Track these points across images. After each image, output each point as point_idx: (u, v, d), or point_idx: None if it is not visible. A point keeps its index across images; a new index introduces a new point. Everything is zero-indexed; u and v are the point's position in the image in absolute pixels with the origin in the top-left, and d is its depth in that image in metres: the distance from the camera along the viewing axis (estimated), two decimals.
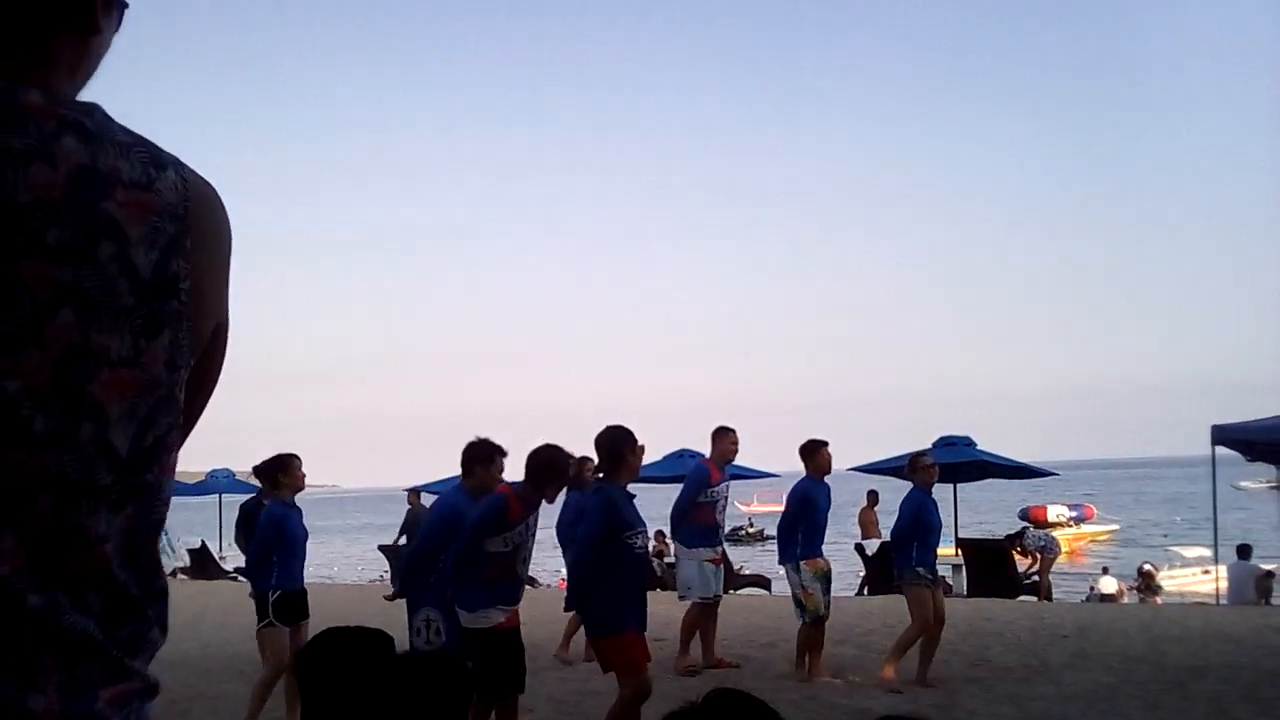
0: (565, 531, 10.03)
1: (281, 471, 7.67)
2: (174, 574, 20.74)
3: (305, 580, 7.90)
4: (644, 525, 6.40)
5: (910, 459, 9.49)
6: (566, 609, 7.44)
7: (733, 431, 10.00)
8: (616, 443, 6.36)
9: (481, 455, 6.86)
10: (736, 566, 17.62)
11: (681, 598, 10.00)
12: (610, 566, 6.16)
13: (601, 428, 6.46)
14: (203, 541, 24.66)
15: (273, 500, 7.88)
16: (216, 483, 26.29)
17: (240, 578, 17.87)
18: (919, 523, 9.08)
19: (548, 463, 6.37)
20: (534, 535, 6.63)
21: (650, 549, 19.39)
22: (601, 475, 6.44)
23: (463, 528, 6.48)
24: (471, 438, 6.92)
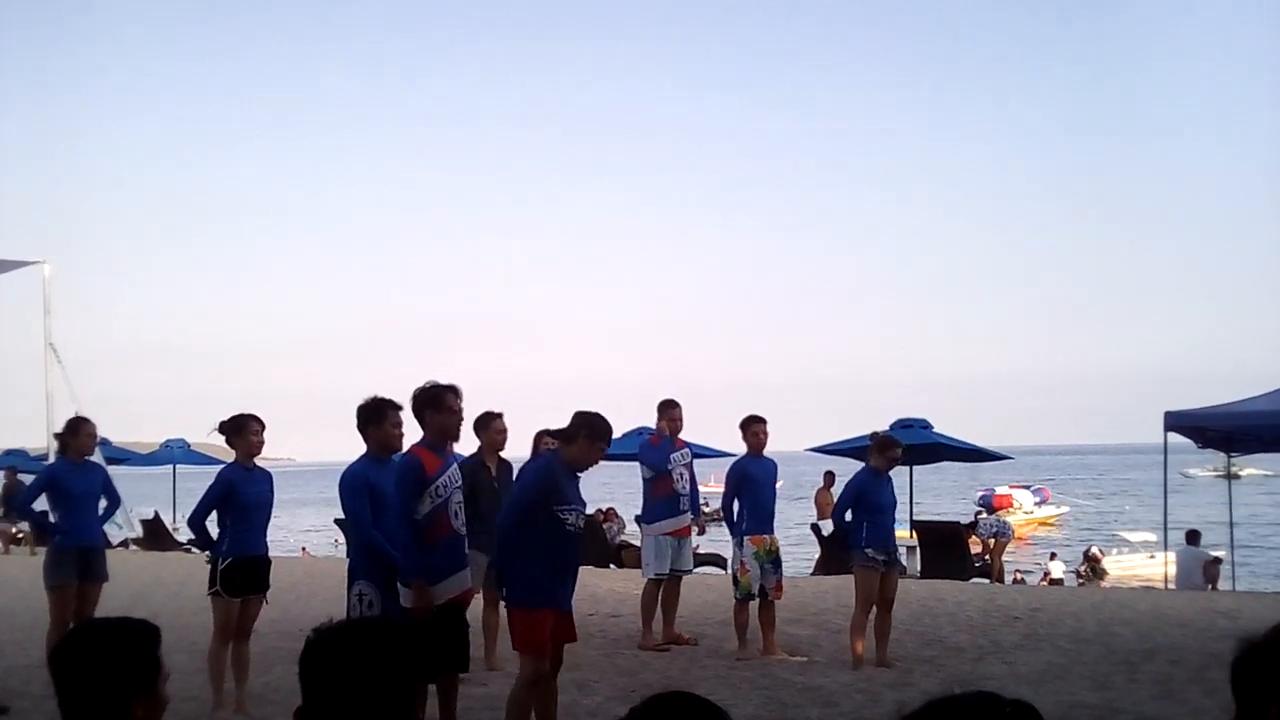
0: None
1: (234, 433, 7.48)
2: (126, 545, 20.47)
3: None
4: (581, 505, 6.24)
5: (877, 439, 9.27)
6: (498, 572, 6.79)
7: (676, 407, 9.94)
8: (580, 425, 6.22)
9: (372, 414, 6.48)
10: (693, 545, 17.67)
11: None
12: (538, 537, 6.02)
13: (582, 408, 6.32)
14: (156, 513, 24.35)
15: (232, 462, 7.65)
16: (171, 453, 26.01)
17: (193, 550, 17.67)
18: (861, 502, 8.90)
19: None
20: (460, 487, 6.46)
21: (608, 527, 19.51)
22: (555, 447, 6.37)
23: (376, 492, 6.29)
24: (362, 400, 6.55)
